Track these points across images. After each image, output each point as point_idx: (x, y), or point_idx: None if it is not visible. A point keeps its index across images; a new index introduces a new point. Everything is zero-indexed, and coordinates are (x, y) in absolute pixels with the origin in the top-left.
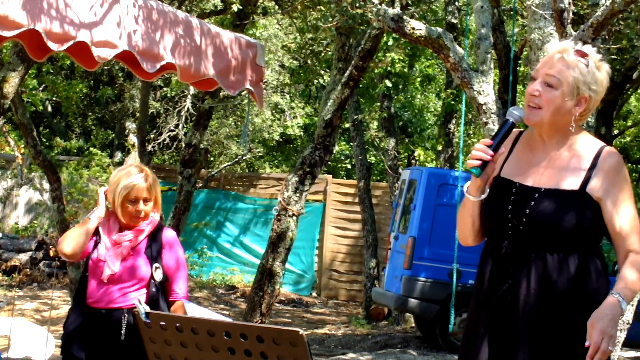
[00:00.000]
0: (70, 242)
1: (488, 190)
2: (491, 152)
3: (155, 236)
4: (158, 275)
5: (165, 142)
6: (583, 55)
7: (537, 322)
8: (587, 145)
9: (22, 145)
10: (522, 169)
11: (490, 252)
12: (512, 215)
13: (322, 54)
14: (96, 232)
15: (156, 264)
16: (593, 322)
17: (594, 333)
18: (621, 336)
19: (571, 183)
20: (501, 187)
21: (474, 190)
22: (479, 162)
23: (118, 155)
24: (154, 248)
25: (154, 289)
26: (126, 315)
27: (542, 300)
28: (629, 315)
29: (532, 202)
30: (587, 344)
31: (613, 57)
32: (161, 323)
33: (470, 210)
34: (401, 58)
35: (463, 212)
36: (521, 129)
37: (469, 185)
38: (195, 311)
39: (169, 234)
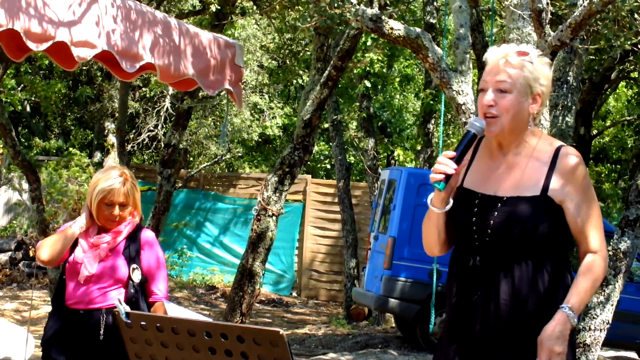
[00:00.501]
0: (47, 250)
1: (452, 201)
2: (454, 165)
3: (134, 237)
4: (136, 277)
5: (144, 142)
6: (525, 54)
7: (508, 334)
8: (544, 147)
9: (1, 146)
10: (483, 179)
11: (458, 264)
12: (477, 227)
13: (301, 54)
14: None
15: (134, 265)
16: (541, 339)
17: (542, 352)
18: (601, 336)
19: (532, 188)
20: (464, 199)
21: (437, 202)
22: (442, 177)
23: (97, 156)
24: (133, 249)
25: (132, 290)
26: (105, 316)
27: (512, 311)
28: (608, 315)
29: (495, 213)
30: None
31: (591, 57)
32: (142, 323)
33: (435, 221)
34: (380, 58)
35: (428, 224)
36: (481, 137)
37: (433, 197)
38: (175, 311)
39: (147, 234)
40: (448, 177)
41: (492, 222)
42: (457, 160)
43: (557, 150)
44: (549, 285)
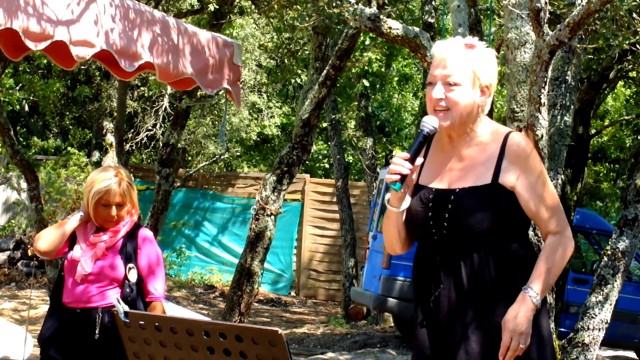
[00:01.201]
0: (45, 240)
1: (409, 199)
2: (409, 165)
3: (131, 236)
4: (132, 276)
5: (142, 142)
6: (472, 47)
7: (471, 322)
8: (493, 135)
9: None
10: (436, 173)
11: (421, 259)
12: (434, 222)
13: (299, 53)
14: (72, 236)
15: (130, 265)
16: (505, 321)
17: (504, 333)
18: (600, 335)
19: (483, 178)
20: (420, 195)
21: (395, 201)
22: (398, 177)
23: (96, 155)
24: (130, 248)
25: (128, 290)
26: (101, 315)
27: (473, 299)
28: (607, 314)
29: (450, 205)
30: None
31: (590, 56)
32: (140, 322)
33: (394, 221)
34: (378, 57)
35: (388, 224)
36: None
37: (390, 197)
38: (174, 311)
39: (145, 233)
40: (404, 177)
41: (446, 215)
42: (411, 160)
43: (506, 137)
44: (509, 268)
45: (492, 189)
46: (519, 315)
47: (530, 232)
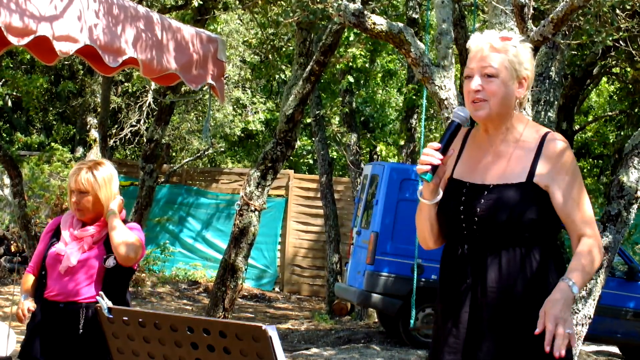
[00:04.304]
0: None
1: (441, 192)
2: (440, 156)
3: None
4: (109, 263)
5: (127, 137)
6: (508, 39)
7: (497, 320)
8: (531, 134)
9: None
10: (471, 168)
11: (448, 254)
12: (465, 216)
13: (283, 49)
14: (56, 233)
15: (109, 254)
16: (545, 309)
17: (548, 320)
18: (583, 330)
19: (518, 175)
20: (453, 189)
21: (427, 194)
22: (429, 167)
23: (79, 151)
24: None
25: (108, 280)
26: (84, 309)
27: (501, 298)
28: (590, 309)
29: (482, 200)
30: (537, 330)
31: (573, 52)
32: (124, 318)
33: (427, 214)
34: (362, 53)
35: (420, 217)
36: (469, 127)
37: (423, 189)
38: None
39: (132, 224)
40: (435, 168)
41: (478, 209)
42: (443, 150)
43: (544, 136)
44: (537, 271)
45: (527, 187)
46: (559, 302)
47: None
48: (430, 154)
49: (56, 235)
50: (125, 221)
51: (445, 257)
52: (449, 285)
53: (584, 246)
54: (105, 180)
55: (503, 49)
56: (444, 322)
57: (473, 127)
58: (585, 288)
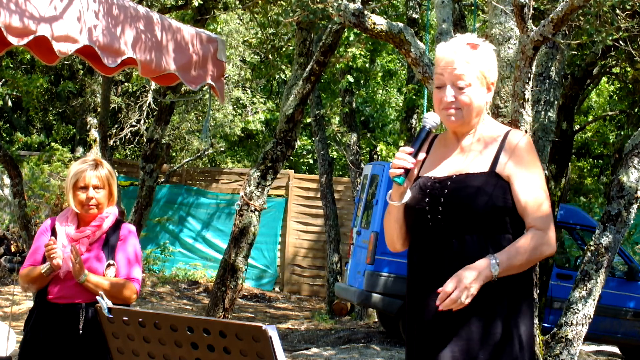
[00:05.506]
0: (23, 281)
1: (409, 193)
2: (413, 160)
3: (114, 231)
4: (110, 273)
5: (127, 137)
6: (476, 46)
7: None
8: (495, 130)
9: None
10: (436, 164)
11: (414, 244)
12: (429, 207)
13: (284, 49)
14: (52, 234)
15: (110, 261)
16: (457, 273)
17: (450, 281)
18: (583, 331)
19: (481, 166)
20: (419, 183)
21: (396, 196)
22: (402, 171)
23: (80, 151)
24: (112, 243)
25: None
26: (84, 310)
27: None
28: (590, 309)
29: (445, 190)
30: (439, 289)
31: (573, 52)
32: (124, 318)
33: (395, 215)
34: (362, 53)
35: (389, 219)
36: (436, 134)
37: (392, 192)
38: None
39: (128, 227)
40: (407, 171)
41: (442, 199)
42: (415, 154)
43: (507, 132)
44: (497, 250)
45: (489, 177)
46: (472, 272)
47: None
48: (403, 158)
49: (52, 235)
50: (122, 222)
51: (411, 248)
52: (417, 275)
53: (527, 236)
54: (112, 174)
55: (472, 57)
56: (413, 311)
57: (437, 129)
58: (585, 287)
